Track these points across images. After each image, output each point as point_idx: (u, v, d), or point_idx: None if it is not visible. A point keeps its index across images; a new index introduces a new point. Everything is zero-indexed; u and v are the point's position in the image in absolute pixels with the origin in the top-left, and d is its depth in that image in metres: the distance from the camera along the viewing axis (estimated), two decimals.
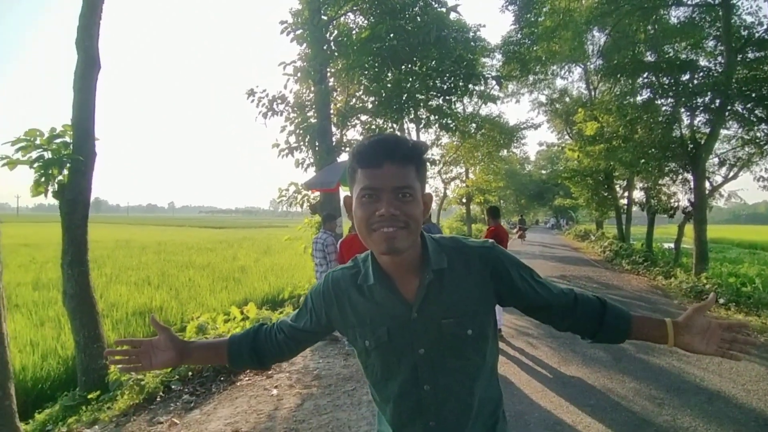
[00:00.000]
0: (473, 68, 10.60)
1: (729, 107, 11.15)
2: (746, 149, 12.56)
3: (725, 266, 14.81)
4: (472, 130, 17.02)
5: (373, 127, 11.91)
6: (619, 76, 12.95)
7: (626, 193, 20.49)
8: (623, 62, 12.63)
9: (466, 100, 13.04)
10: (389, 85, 10.54)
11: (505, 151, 21.02)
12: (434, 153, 20.58)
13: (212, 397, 4.04)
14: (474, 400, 1.08)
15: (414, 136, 18.82)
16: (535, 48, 18.54)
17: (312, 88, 9.28)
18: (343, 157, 9.71)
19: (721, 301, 8.33)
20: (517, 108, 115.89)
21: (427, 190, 1.07)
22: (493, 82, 10.74)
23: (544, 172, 47.12)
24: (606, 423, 3.38)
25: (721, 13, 11.34)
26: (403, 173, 0.96)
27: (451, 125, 12.34)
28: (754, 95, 10.93)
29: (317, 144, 9.16)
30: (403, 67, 10.28)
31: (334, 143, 9.38)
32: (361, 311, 1.08)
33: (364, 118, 11.59)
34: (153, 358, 1.15)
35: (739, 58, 11.48)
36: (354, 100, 10.99)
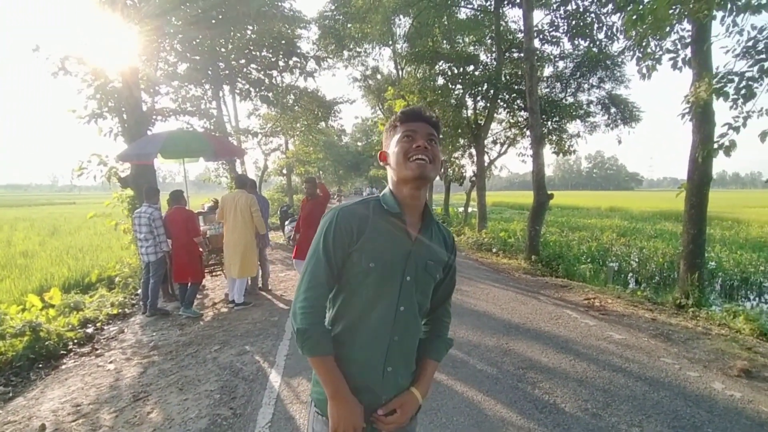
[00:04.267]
0: (293, 45, 10.86)
1: (500, 96, 13.85)
2: (512, 131, 15.74)
3: (501, 224, 18.44)
4: (291, 102, 17.25)
5: (188, 94, 11.27)
6: (420, 62, 14.67)
7: None
8: (424, 51, 14.38)
9: (285, 73, 13.22)
10: (203, 49, 10.11)
11: (324, 123, 21.73)
12: (253, 124, 20.16)
13: (34, 384, 3.79)
14: (419, 327, 1.37)
15: (231, 106, 18.15)
16: (349, 26, 19.54)
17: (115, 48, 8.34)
18: (157, 127, 9.07)
19: (494, 250, 10.66)
20: (333, 81, 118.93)
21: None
22: (313, 62, 11.18)
23: (359, 144, 50.00)
24: None
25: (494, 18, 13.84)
26: (431, 128, 1.29)
27: (271, 98, 12.44)
28: (516, 87, 13.80)
29: (124, 111, 8.36)
30: (218, 37, 9.95)
31: (145, 111, 8.68)
32: (373, 236, 1.25)
33: (176, 83, 10.88)
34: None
35: (506, 57, 14.26)
36: (165, 65, 10.20)
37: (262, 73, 11.68)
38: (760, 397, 3.34)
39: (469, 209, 18.23)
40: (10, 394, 3.58)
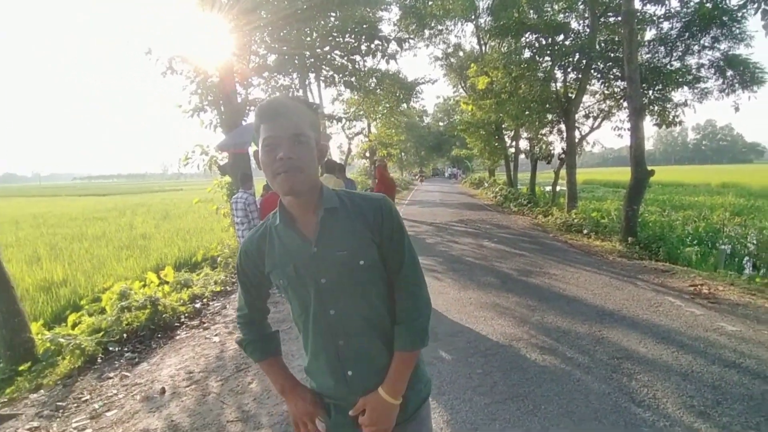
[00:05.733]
0: (375, 29, 10.91)
1: (593, 66, 12.83)
2: (607, 102, 14.54)
3: (592, 203, 17.33)
4: (372, 85, 17.43)
5: (278, 84, 11.84)
6: (505, 36, 13.98)
7: (514, 143, 22.59)
8: (509, 23, 13.66)
9: (368, 57, 13.37)
10: (290, 39, 10.51)
11: (405, 105, 21.74)
12: (337, 109, 20.69)
13: (155, 351, 4.32)
14: (372, 321, 1.23)
15: (316, 93, 18.75)
16: (430, 3, 19.15)
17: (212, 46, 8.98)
18: (251, 117, 9.68)
19: (585, 231, 10.06)
20: (414, 61, 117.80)
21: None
22: (394, 44, 11.19)
23: (441, 124, 49.42)
24: (494, 327, 4.35)
25: None
26: (297, 123, 1.12)
27: (354, 83, 12.65)
28: (612, 56, 12.67)
29: (222, 104, 9.02)
30: (304, 27, 10.29)
31: (239, 102, 9.29)
32: (273, 255, 1.23)
33: (266, 74, 11.45)
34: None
35: (601, 22, 13.11)
36: (256, 58, 10.78)
37: (345, 58, 11.89)
38: None
39: (558, 188, 17.29)
40: (136, 360, 4.12)
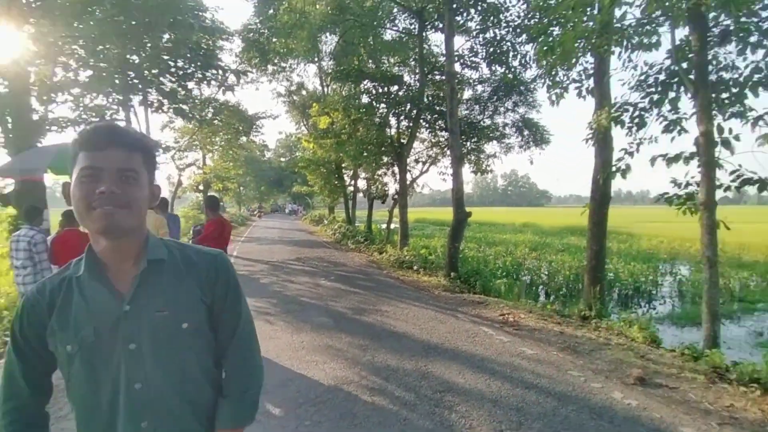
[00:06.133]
0: (212, 57, 10.44)
1: (422, 116, 14.26)
2: (434, 150, 16.25)
3: (422, 241, 18.82)
4: (209, 116, 16.55)
5: (91, 104, 10.35)
6: (345, 80, 14.74)
7: (353, 182, 23.53)
8: (349, 69, 14.46)
9: (203, 85, 12.62)
10: (110, 57, 9.38)
11: (245, 138, 21.10)
12: (167, 137, 19.06)
13: None
14: (189, 396, 1.05)
15: (143, 119, 17.02)
16: (274, 40, 19.21)
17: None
18: (50, 139, 8.21)
19: (415, 267, 10.80)
20: (256, 95, 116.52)
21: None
22: (231, 74, 10.84)
23: (283, 160, 49.20)
24: (326, 372, 4.25)
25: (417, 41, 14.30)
26: (128, 157, 0.94)
27: (186, 110, 11.79)
28: (438, 109, 14.29)
29: (9, 120, 7.48)
30: (129, 44, 9.30)
31: (35, 120, 7.82)
32: (66, 313, 0.98)
33: (76, 91, 9.94)
34: None
35: (429, 78, 14.75)
36: (63, 70, 9.30)
37: (177, 84, 11.05)
38: (653, 403, 3.58)
39: (392, 226, 18.42)
40: None
